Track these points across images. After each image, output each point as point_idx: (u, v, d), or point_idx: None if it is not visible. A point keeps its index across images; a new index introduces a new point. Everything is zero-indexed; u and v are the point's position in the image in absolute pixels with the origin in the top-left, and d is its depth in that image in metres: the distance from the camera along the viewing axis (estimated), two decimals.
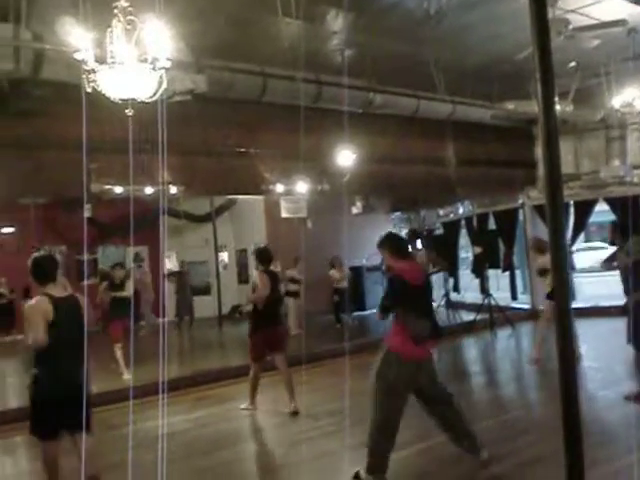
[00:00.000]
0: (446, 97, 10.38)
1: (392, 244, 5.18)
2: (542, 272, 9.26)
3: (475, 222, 15.50)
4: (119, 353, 9.25)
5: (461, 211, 16.97)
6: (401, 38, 8.55)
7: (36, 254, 4.86)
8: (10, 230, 16.62)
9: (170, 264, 18.85)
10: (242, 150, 9.74)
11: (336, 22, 8.18)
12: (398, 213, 18.57)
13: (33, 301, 4.55)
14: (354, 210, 15.50)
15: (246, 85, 8.35)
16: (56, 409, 4.36)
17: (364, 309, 16.17)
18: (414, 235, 10.21)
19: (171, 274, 16.75)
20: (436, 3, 7.56)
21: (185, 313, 16.30)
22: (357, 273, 16.17)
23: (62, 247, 16.66)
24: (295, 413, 7.03)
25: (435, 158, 12.00)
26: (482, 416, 6.52)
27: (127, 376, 8.91)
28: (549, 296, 8.99)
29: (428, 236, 17.23)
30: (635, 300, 7.01)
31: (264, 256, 7.56)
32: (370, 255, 16.07)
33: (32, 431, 4.51)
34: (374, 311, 15.69)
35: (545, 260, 9.28)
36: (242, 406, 7.49)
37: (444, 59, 9.45)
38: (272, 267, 7.74)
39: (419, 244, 16.87)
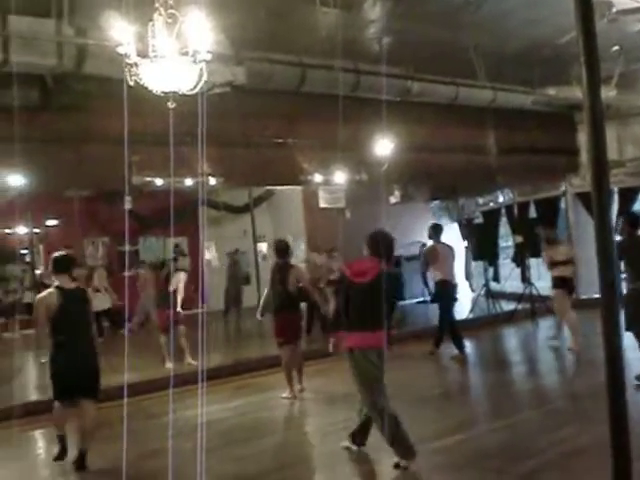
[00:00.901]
0: (486, 83, 10.23)
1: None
2: (552, 265, 9.24)
3: (516, 210, 15.28)
4: (164, 342, 9.37)
5: (501, 199, 16.74)
6: (440, 24, 8.46)
7: (56, 253, 5.83)
8: (55, 223, 16.98)
9: (210, 254, 19.06)
10: (280, 141, 9.77)
11: (374, 10, 8.14)
12: (437, 202, 18.39)
13: (43, 294, 5.55)
14: (392, 199, 15.41)
15: (284, 76, 8.37)
16: (65, 379, 5.39)
17: (403, 299, 16.11)
18: (436, 229, 10.08)
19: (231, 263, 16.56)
20: None
21: (233, 303, 16.18)
22: (396, 262, 16.10)
23: (105, 239, 17.00)
24: (301, 391, 7.62)
25: (475, 146, 11.86)
26: (524, 406, 6.48)
27: (169, 365, 9.05)
28: (556, 285, 9.05)
29: (467, 225, 17.05)
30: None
31: (279, 248, 7.75)
32: (408, 244, 16.01)
33: (54, 397, 5.59)
34: (413, 301, 15.77)
35: (555, 252, 9.25)
36: (283, 395, 7.58)
37: (484, 45, 9.32)
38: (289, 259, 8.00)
39: (459, 235, 16.72)
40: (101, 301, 11.95)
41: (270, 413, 7.16)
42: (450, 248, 10.15)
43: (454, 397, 7.33)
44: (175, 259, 9.92)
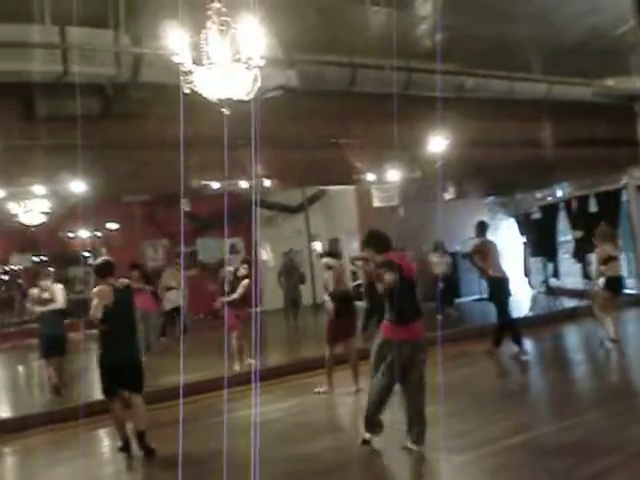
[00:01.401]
0: (541, 76, 10.02)
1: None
2: (605, 260, 9.02)
3: (575, 205, 14.91)
4: (234, 341, 9.47)
5: (560, 194, 16.35)
6: (493, 18, 8.32)
7: (98, 259, 6.46)
8: (115, 226, 17.46)
9: (265, 254, 19.25)
10: (333, 141, 9.81)
11: (425, 7, 8.08)
12: (493, 197, 18.11)
13: (97, 288, 5.91)
14: (447, 196, 15.24)
15: (336, 76, 8.40)
16: (112, 374, 5.78)
17: (459, 296, 15.94)
18: (482, 227, 9.90)
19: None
20: None
21: (291, 302, 16.17)
22: (451, 259, 15.92)
23: (164, 241, 17.38)
24: (357, 391, 7.53)
25: (531, 139, 11.61)
26: (588, 406, 6.33)
27: (237, 367, 9.15)
28: (608, 286, 8.86)
29: (525, 220, 16.73)
30: None
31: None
32: (465, 241, 15.81)
33: (102, 391, 6.01)
34: (469, 298, 15.57)
35: (607, 248, 9.03)
36: (317, 389, 7.63)
37: (538, 37, 9.12)
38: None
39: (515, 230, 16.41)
40: (173, 299, 12.11)
41: (328, 412, 7.20)
42: (495, 244, 9.98)
43: (516, 397, 7.22)
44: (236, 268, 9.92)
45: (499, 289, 9.50)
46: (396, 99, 7.52)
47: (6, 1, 6.45)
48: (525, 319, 11.91)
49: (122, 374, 5.84)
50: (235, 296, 9.41)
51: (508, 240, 17.44)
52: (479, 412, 6.26)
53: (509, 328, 9.39)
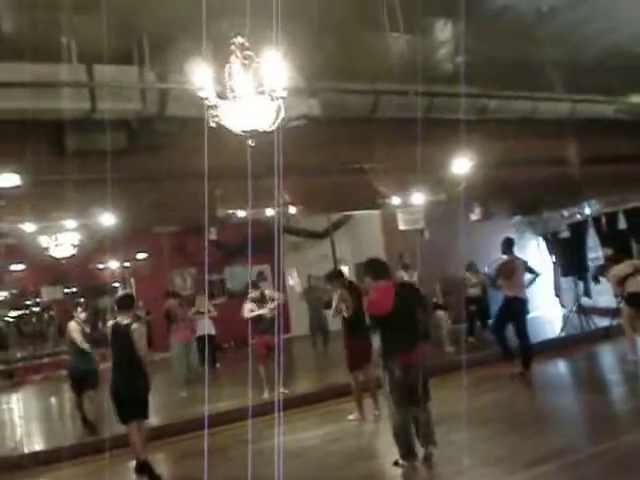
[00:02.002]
0: (564, 95, 9.99)
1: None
2: (624, 277, 8.93)
3: (604, 222, 14.73)
4: (262, 370, 9.44)
5: (588, 211, 16.17)
6: (513, 39, 8.34)
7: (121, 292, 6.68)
8: (144, 256, 17.68)
9: (292, 280, 19.30)
10: (357, 166, 9.85)
11: (444, 32, 8.13)
12: (519, 217, 17.97)
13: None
14: (473, 217, 15.18)
15: (358, 103, 8.46)
16: (121, 403, 6.32)
17: (488, 317, 15.74)
18: (508, 243, 9.83)
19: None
20: (549, 1, 7.34)
21: (317, 328, 16.07)
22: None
23: (192, 270, 17.54)
24: (378, 417, 7.59)
25: (556, 158, 11.54)
26: (624, 429, 6.19)
27: (266, 395, 9.10)
28: (630, 302, 8.73)
29: (553, 239, 16.54)
30: None
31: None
32: (492, 262, 15.68)
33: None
34: None
35: (622, 268, 8.94)
36: (350, 416, 7.61)
37: (559, 56, 9.11)
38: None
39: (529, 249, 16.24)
40: (206, 327, 12.25)
41: (361, 439, 7.14)
42: (524, 262, 9.86)
43: (550, 420, 7.09)
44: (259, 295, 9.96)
45: (520, 310, 9.36)
46: (419, 123, 7.57)
47: (35, 41, 6.64)
48: (557, 340, 11.73)
49: (124, 403, 6.32)
50: (266, 312, 9.43)
51: (537, 260, 17.28)
52: (514, 438, 6.16)
53: (524, 349, 9.22)
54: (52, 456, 7.34)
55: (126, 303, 6.75)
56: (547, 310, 15.63)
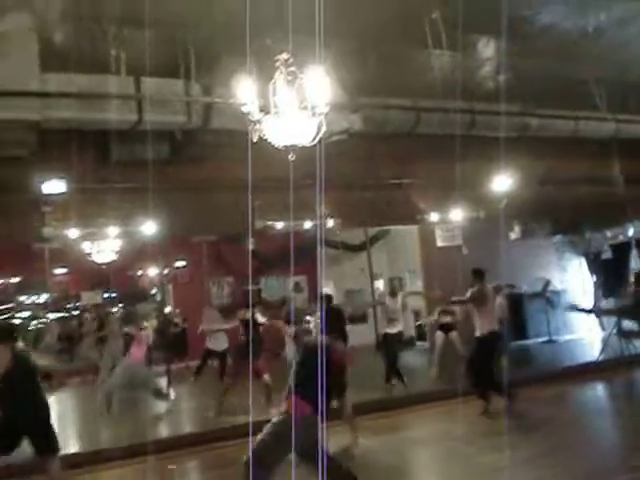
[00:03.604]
0: (608, 115, 9.85)
1: None
2: None
3: None
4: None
5: (631, 232, 15.86)
6: (557, 58, 8.28)
7: None
8: (182, 264, 17.92)
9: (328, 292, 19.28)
10: (396, 182, 9.87)
11: (487, 49, 8.12)
12: (560, 236, 17.70)
13: None
14: (512, 235, 15.03)
15: (399, 119, 8.47)
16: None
17: (526, 337, 15.54)
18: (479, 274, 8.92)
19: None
20: (594, 21, 7.27)
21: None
22: (517, 300, 15.58)
23: (229, 278, 17.71)
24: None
25: (600, 178, 11.38)
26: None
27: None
28: None
29: (595, 260, 16.26)
30: None
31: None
32: (531, 281, 15.48)
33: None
34: (537, 340, 15.12)
35: None
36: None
37: (604, 76, 9.02)
38: None
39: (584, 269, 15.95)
40: (218, 341, 11.38)
41: (399, 456, 7.08)
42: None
43: (590, 444, 6.95)
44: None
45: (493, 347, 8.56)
46: (460, 139, 7.56)
47: (85, 53, 6.85)
48: (597, 363, 11.50)
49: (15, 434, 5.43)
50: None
51: (578, 280, 16.99)
52: (554, 459, 6.07)
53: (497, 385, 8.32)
54: (88, 458, 7.47)
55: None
56: (586, 333, 15.34)
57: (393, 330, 10.44)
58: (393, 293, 10.89)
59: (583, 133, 10.15)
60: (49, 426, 5.45)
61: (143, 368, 9.79)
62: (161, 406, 10.07)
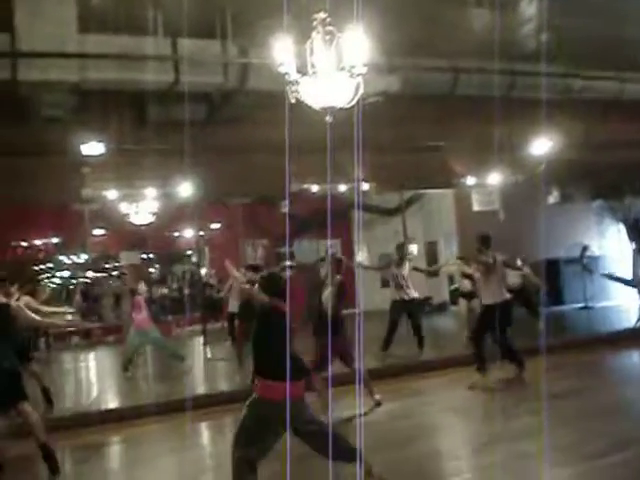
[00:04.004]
0: None
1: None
2: None
3: None
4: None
5: None
6: (602, 17, 8.02)
7: None
8: (218, 226, 18.08)
9: (361, 256, 19.30)
10: (432, 144, 9.75)
11: (530, 7, 7.89)
12: (600, 201, 17.34)
13: None
14: (550, 200, 14.78)
15: (437, 81, 8.34)
16: None
17: (562, 303, 15.39)
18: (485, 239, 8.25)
19: None
20: None
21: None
22: (554, 266, 15.39)
23: (264, 241, 17.83)
24: (378, 404, 7.25)
25: None
26: None
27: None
28: None
29: (635, 226, 15.93)
30: None
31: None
32: (569, 246, 15.25)
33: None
34: (573, 306, 14.97)
35: None
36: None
37: None
38: None
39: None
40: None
41: (422, 419, 7.15)
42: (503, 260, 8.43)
43: (623, 411, 6.90)
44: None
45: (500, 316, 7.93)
46: (499, 101, 7.42)
47: (124, 15, 6.86)
48: (634, 330, 11.36)
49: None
50: None
51: (617, 246, 16.70)
52: (583, 425, 6.05)
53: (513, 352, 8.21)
54: (128, 413, 7.69)
55: None
56: (624, 299, 15.11)
57: (404, 297, 9.98)
58: (400, 260, 10.15)
59: (628, 95, 9.86)
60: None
61: (148, 334, 9.87)
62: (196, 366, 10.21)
